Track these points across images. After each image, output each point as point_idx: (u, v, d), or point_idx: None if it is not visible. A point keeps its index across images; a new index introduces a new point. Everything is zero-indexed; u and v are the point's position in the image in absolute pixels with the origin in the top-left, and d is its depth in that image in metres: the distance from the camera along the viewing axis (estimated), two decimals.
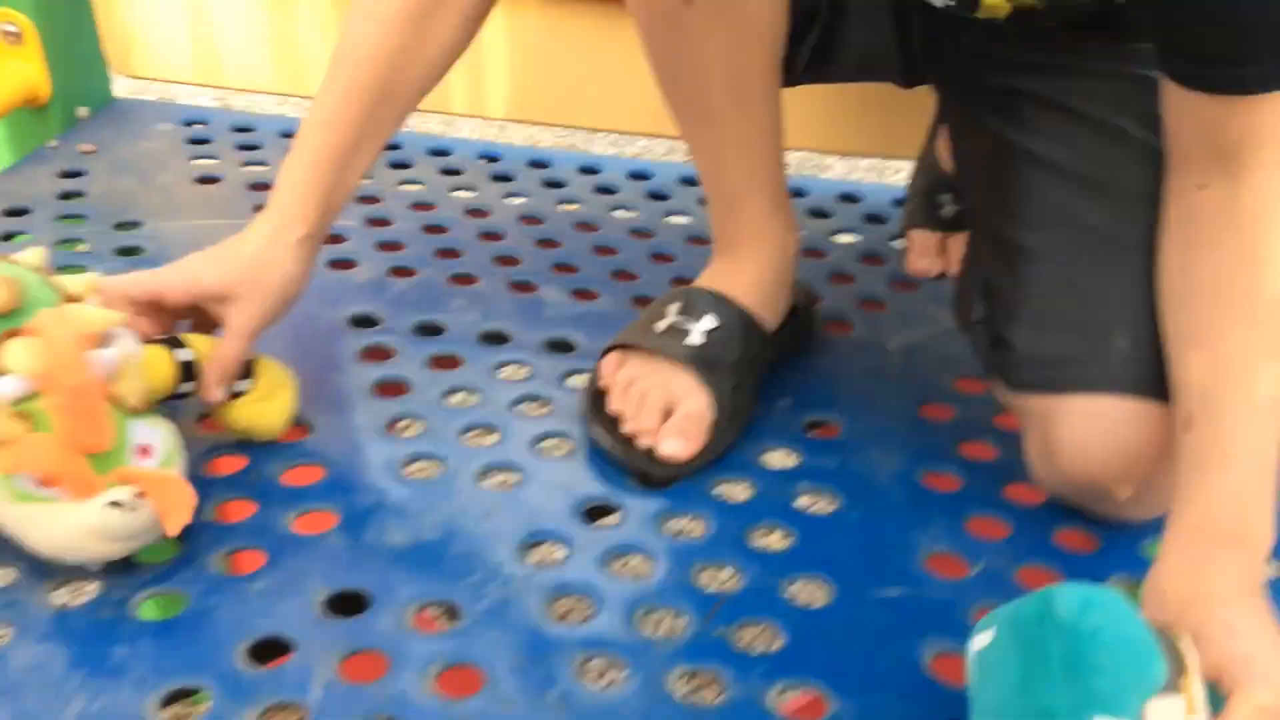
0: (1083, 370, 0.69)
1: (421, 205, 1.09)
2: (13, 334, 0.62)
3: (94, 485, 0.60)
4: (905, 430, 0.81)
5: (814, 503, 0.74)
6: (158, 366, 0.69)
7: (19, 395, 0.61)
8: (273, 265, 0.74)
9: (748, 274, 0.83)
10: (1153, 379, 0.67)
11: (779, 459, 0.79)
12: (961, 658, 0.61)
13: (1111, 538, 0.71)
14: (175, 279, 0.73)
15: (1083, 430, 0.68)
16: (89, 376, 0.62)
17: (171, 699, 0.56)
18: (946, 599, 0.65)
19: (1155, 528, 0.71)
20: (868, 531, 0.71)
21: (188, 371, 0.71)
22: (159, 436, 0.66)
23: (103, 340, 0.64)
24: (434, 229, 1.05)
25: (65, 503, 0.60)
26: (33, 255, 0.68)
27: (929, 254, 1.02)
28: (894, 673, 0.61)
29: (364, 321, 0.90)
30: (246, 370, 0.73)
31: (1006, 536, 0.71)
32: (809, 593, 0.67)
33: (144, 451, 0.65)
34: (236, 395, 0.73)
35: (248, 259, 0.74)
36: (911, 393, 0.85)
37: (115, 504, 0.60)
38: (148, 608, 0.62)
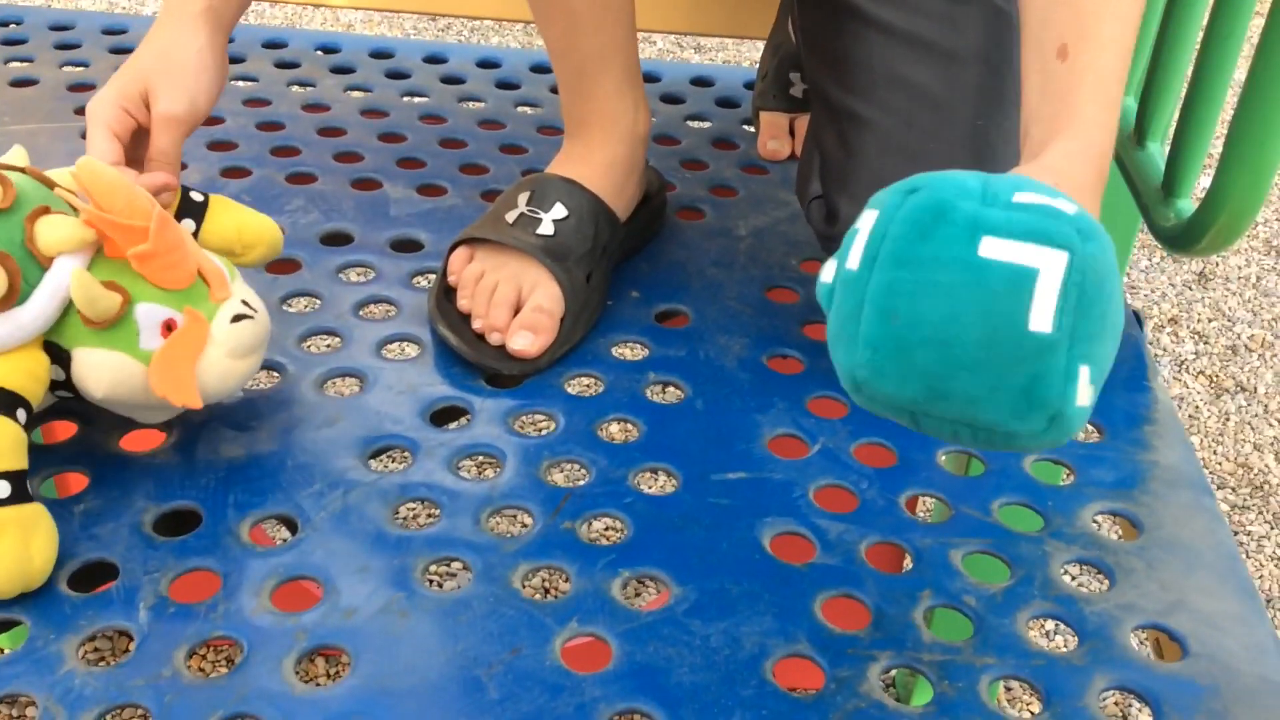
0: None
1: (256, 101, 1.04)
2: (43, 211, 0.60)
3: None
4: (751, 316, 0.81)
5: (662, 393, 0.74)
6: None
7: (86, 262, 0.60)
8: (178, 44, 0.72)
9: (598, 157, 0.81)
10: None
11: (629, 351, 0.78)
12: (798, 537, 0.63)
13: None
14: (113, 112, 0.71)
15: None
16: (149, 213, 0.60)
17: None
18: (786, 480, 0.66)
19: None
20: (712, 418, 0.71)
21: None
22: (218, 260, 0.65)
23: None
24: (269, 126, 1.00)
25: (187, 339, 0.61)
26: (16, 155, 0.64)
27: (779, 136, 1.01)
28: (733, 554, 0.61)
29: None
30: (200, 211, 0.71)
31: (844, 415, 0.72)
32: (655, 482, 0.68)
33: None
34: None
35: (153, 45, 0.73)
36: (758, 277, 0.85)
37: (239, 316, 0.62)
38: None
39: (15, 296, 0.58)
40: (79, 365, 0.61)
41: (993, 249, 0.45)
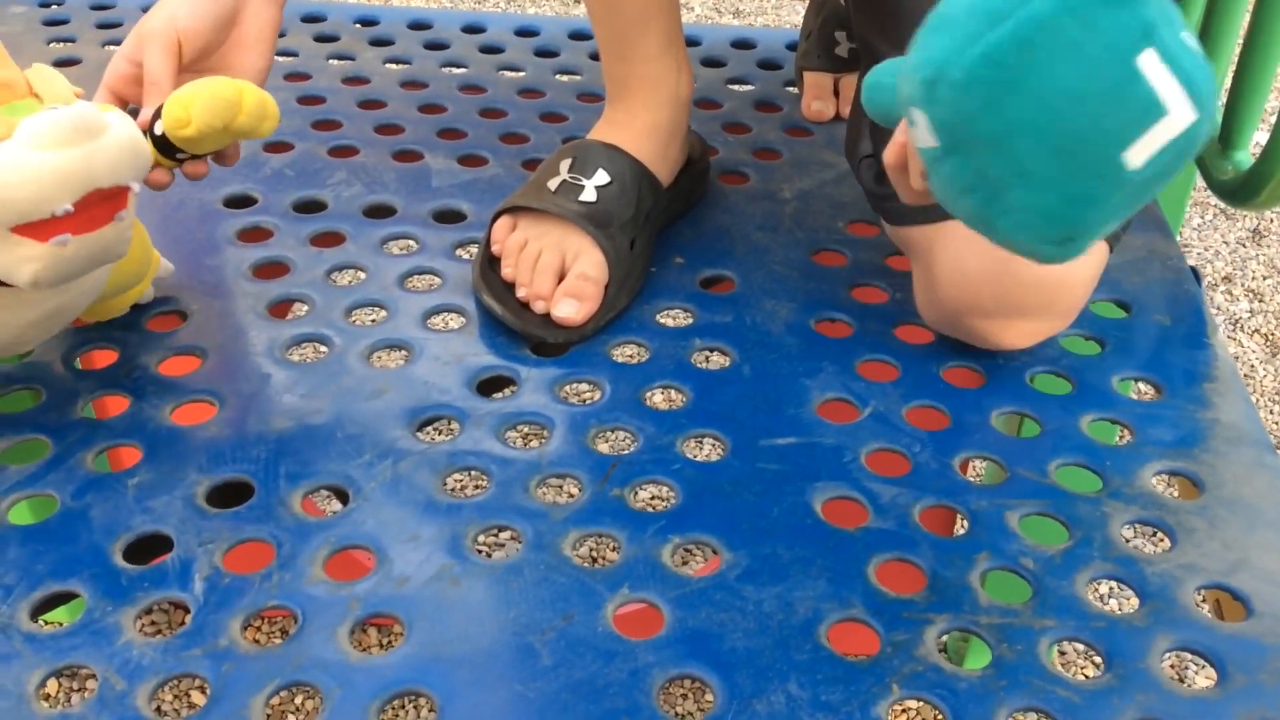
0: None
1: (296, 76, 1.04)
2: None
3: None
4: (798, 280, 0.80)
5: (708, 359, 0.73)
6: None
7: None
8: None
9: (640, 122, 0.81)
10: None
11: (674, 317, 0.78)
12: (850, 501, 0.62)
13: (997, 371, 0.72)
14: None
15: (959, 255, 0.68)
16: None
17: (44, 605, 0.55)
18: (837, 444, 0.66)
19: (1041, 359, 0.72)
20: (760, 383, 0.70)
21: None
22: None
23: None
24: (310, 100, 1.00)
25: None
26: None
27: (823, 96, 1.00)
28: (784, 520, 0.61)
29: (239, 201, 0.87)
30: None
31: (895, 379, 0.71)
32: (703, 448, 0.67)
33: None
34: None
35: None
36: (804, 241, 0.84)
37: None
38: (16, 512, 0.60)
39: None
40: None
41: (1149, 65, 0.44)
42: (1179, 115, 0.45)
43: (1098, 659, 0.55)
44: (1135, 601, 0.57)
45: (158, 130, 0.65)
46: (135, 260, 0.69)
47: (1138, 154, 0.45)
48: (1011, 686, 0.53)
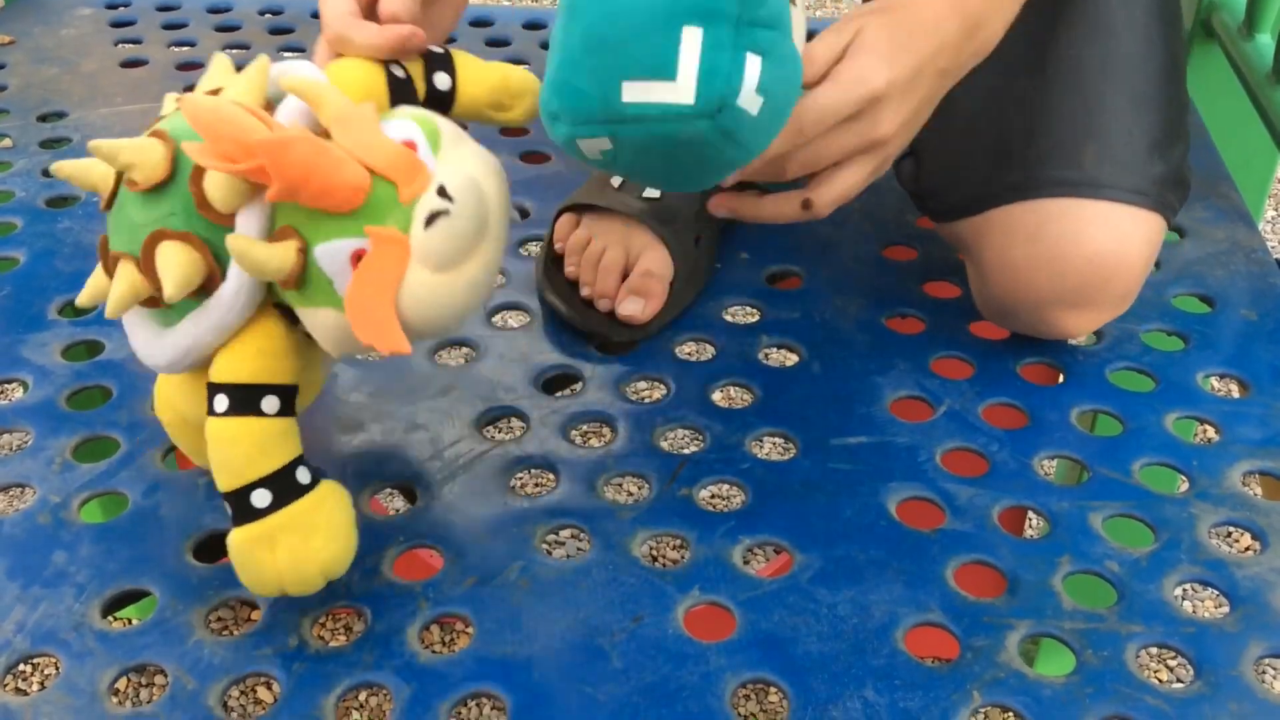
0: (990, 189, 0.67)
1: None
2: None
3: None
4: (868, 275, 0.78)
5: (777, 356, 0.72)
6: (360, 83, 0.53)
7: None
8: None
9: None
10: (1061, 181, 0.65)
11: (741, 314, 0.76)
12: (926, 503, 0.61)
13: (1075, 368, 0.70)
14: None
15: (1004, 245, 0.67)
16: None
17: (115, 604, 0.55)
18: (910, 444, 0.64)
19: (1122, 355, 0.70)
20: (831, 381, 0.69)
21: (400, 92, 0.54)
22: (412, 128, 0.50)
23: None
24: None
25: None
26: (219, 67, 0.55)
27: None
28: (858, 521, 0.59)
29: None
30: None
31: (970, 376, 0.69)
32: (773, 447, 0.66)
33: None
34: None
35: None
36: (874, 236, 0.82)
37: (433, 216, 0.48)
38: (88, 510, 0.60)
39: (218, 275, 0.50)
40: (306, 327, 0.51)
41: (689, 38, 0.48)
42: (680, 91, 0.48)
43: (1173, 663, 0.53)
44: (1212, 604, 0.55)
45: (441, 85, 0.56)
46: None
47: (632, 91, 0.48)
48: (1097, 694, 0.51)
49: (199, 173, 0.49)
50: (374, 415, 0.66)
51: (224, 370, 0.51)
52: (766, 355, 0.72)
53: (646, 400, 0.69)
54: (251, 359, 0.50)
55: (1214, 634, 0.53)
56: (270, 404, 0.51)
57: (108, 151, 0.50)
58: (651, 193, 0.76)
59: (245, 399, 0.50)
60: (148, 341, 0.53)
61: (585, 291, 0.75)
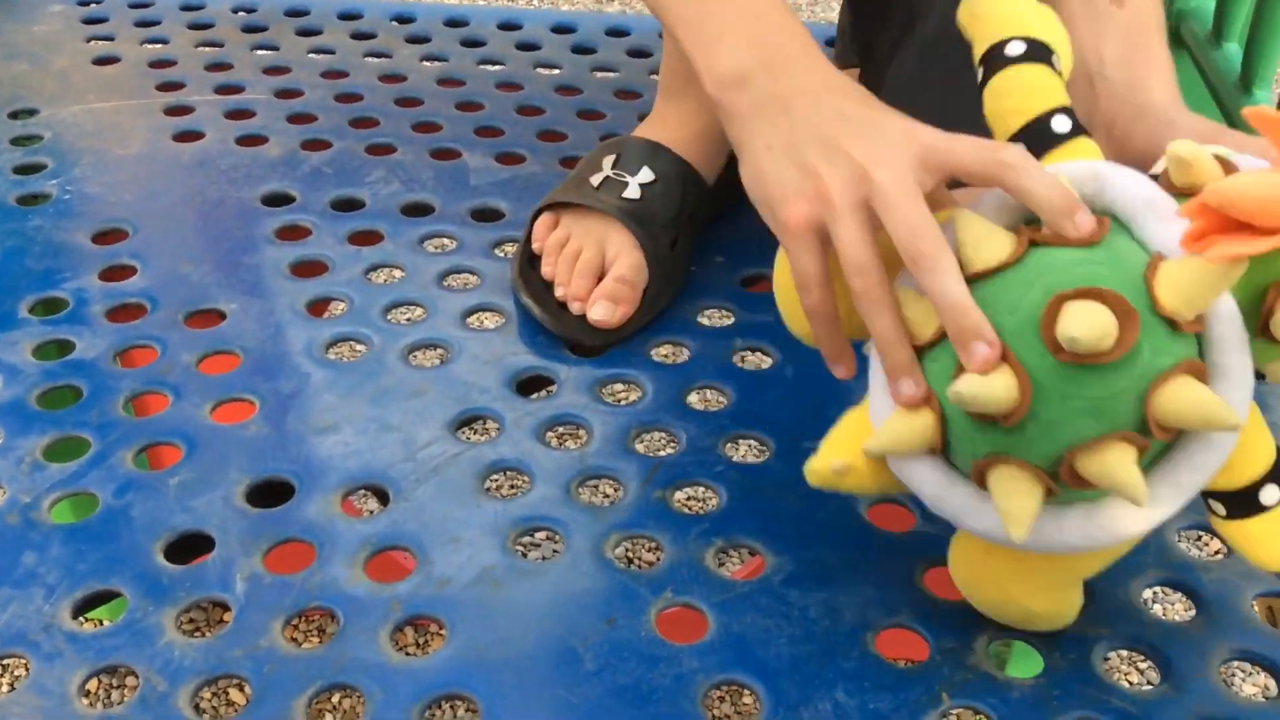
0: None
1: (333, 74, 1.04)
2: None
3: None
4: None
5: (752, 359, 0.72)
6: None
7: None
8: None
9: (698, 123, 0.79)
10: None
11: (716, 317, 0.77)
12: (898, 505, 0.61)
13: None
14: None
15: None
16: None
17: (86, 604, 0.55)
18: None
19: None
20: (804, 384, 0.69)
21: None
22: None
23: None
24: (347, 98, 1.00)
25: None
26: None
27: None
28: (830, 523, 0.60)
29: (278, 200, 0.86)
30: None
31: None
32: (748, 450, 0.66)
33: None
34: None
35: None
36: None
37: None
38: (58, 510, 0.60)
39: None
40: None
41: None
42: None
43: (1143, 666, 0.53)
44: (1182, 608, 0.56)
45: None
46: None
47: None
48: (1065, 696, 0.51)
49: (1155, 261, 0.43)
50: (347, 416, 0.66)
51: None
52: (741, 358, 0.72)
53: (622, 403, 0.69)
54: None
55: (1181, 637, 0.54)
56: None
57: None
58: (631, 193, 0.76)
59: None
60: (1035, 520, 0.46)
61: (560, 293, 0.75)
